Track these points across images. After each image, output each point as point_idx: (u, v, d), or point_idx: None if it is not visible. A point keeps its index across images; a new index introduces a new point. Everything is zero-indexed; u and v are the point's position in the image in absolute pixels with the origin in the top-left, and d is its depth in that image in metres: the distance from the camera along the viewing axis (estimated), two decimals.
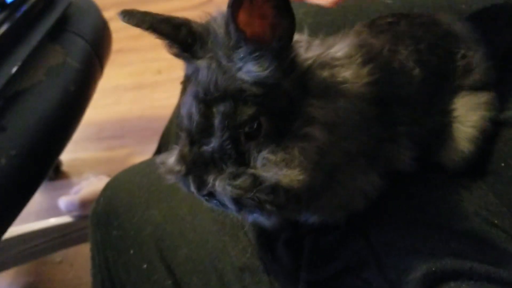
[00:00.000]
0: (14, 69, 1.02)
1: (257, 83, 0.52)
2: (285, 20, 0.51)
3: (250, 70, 0.51)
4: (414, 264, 0.60)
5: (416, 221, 0.66)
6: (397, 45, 0.69)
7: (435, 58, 0.72)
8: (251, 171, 0.53)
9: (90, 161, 2.30)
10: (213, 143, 0.53)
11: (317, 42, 0.68)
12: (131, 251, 0.81)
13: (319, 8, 1.00)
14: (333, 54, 0.63)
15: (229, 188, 0.52)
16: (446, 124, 0.70)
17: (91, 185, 1.83)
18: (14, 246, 1.65)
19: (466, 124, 0.71)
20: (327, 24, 0.97)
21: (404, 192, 0.69)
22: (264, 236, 0.75)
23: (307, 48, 0.66)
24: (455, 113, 0.71)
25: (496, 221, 0.64)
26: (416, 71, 0.69)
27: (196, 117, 0.54)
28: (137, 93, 2.55)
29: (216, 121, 0.53)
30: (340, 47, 0.64)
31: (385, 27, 0.74)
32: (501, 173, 0.67)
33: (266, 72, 0.51)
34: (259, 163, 0.53)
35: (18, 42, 1.08)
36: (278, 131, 0.54)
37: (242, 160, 0.54)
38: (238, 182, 0.52)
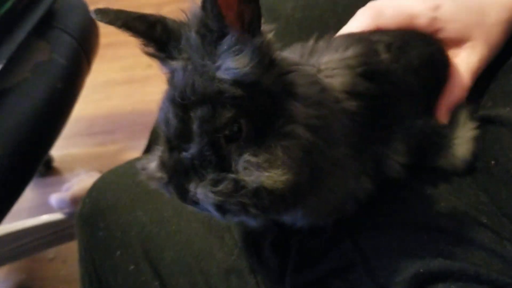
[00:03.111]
0: (0, 67, 1.00)
1: (237, 82, 0.50)
2: (250, 3, 0.49)
3: (229, 68, 0.50)
4: (402, 266, 0.59)
5: (404, 222, 0.65)
6: (406, 43, 0.70)
7: (441, 64, 0.73)
8: (233, 176, 0.51)
9: (81, 157, 2.29)
10: (192, 149, 0.52)
11: (321, 44, 0.68)
12: (118, 253, 0.80)
13: (308, 2, 0.99)
14: (328, 62, 0.63)
15: (211, 195, 0.50)
16: (441, 130, 0.70)
17: (82, 182, 1.82)
18: (6, 243, 1.65)
19: (467, 126, 0.71)
20: (316, 18, 0.96)
21: (392, 193, 0.69)
22: (250, 238, 0.74)
23: (310, 52, 0.65)
24: (455, 119, 0.71)
25: (485, 221, 0.63)
26: (422, 71, 0.69)
27: (173, 122, 0.52)
28: (128, 87, 2.54)
29: (194, 126, 0.51)
30: (342, 56, 0.64)
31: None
32: (493, 172, 0.67)
33: (246, 69, 0.49)
34: (240, 166, 0.51)
35: (3, 39, 1.06)
36: (259, 132, 0.52)
37: (223, 165, 0.52)
38: (220, 188, 0.50)
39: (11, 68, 1.04)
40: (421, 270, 0.58)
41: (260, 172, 0.50)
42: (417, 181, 0.70)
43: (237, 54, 0.50)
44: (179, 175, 0.53)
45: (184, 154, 0.52)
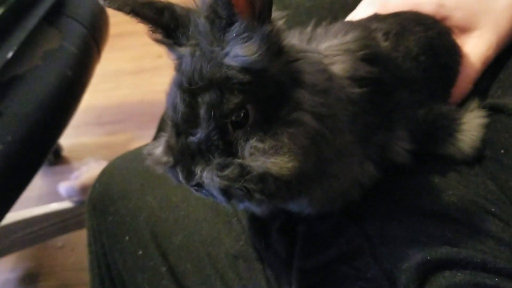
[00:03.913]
0: (10, 54, 1.01)
1: (244, 69, 0.50)
2: None
3: (237, 55, 0.50)
4: (409, 253, 0.59)
5: (412, 209, 0.65)
6: (404, 30, 0.69)
7: (442, 48, 0.72)
8: (239, 161, 0.51)
9: (90, 146, 2.31)
10: (200, 134, 0.52)
11: (320, 31, 0.68)
12: (127, 237, 0.81)
13: None
14: (328, 48, 0.63)
15: (216, 179, 0.51)
16: (449, 116, 0.70)
17: (90, 170, 1.84)
18: (15, 231, 1.67)
19: (476, 114, 0.70)
20: (325, 8, 0.96)
21: (400, 181, 0.68)
22: (257, 224, 0.74)
23: (309, 39, 0.65)
24: (464, 106, 0.71)
25: (493, 210, 0.63)
26: (422, 58, 0.69)
27: (180, 107, 0.52)
28: (137, 77, 2.55)
29: (202, 111, 0.51)
30: (341, 41, 0.64)
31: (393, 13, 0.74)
32: (502, 160, 0.66)
33: (254, 57, 0.50)
34: (246, 152, 0.52)
35: (14, 27, 1.07)
36: (266, 119, 0.53)
37: (230, 150, 0.53)
38: (226, 172, 0.51)
39: (22, 56, 1.04)
40: (428, 258, 0.58)
41: (266, 158, 0.51)
42: (425, 170, 0.69)
43: (246, 42, 0.50)
44: (185, 158, 0.53)
45: (191, 138, 0.53)
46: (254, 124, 0.52)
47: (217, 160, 0.52)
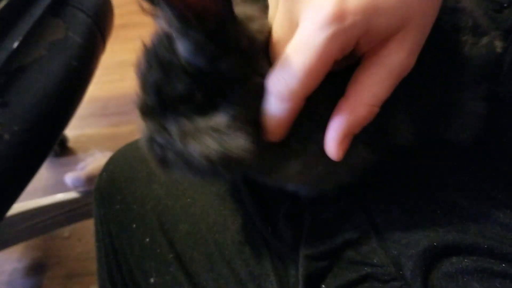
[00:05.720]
0: (16, 44, 1.01)
1: (187, 62, 0.50)
2: None
3: (182, 49, 0.49)
4: (415, 239, 0.59)
5: (418, 195, 0.65)
6: None
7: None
8: None
9: (95, 137, 2.31)
10: None
11: None
12: (134, 225, 0.82)
13: None
14: None
15: None
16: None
17: (96, 161, 1.85)
18: (22, 221, 1.68)
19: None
20: None
21: (406, 167, 0.68)
22: (264, 210, 0.75)
23: None
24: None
25: (499, 196, 0.63)
26: None
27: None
28: None
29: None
30: None
31: None
32: (505, 149, 0.66)
33: (193, 57, 0.49)
34: None
35: (19, 17, 1.07)
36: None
37: None
38: None
39: (27, 46, 1.05)
40: (435, 244, 0.58)
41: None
42: (431, 157, 0.69)
43: (186, 41, 0.48)
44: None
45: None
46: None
47: None
